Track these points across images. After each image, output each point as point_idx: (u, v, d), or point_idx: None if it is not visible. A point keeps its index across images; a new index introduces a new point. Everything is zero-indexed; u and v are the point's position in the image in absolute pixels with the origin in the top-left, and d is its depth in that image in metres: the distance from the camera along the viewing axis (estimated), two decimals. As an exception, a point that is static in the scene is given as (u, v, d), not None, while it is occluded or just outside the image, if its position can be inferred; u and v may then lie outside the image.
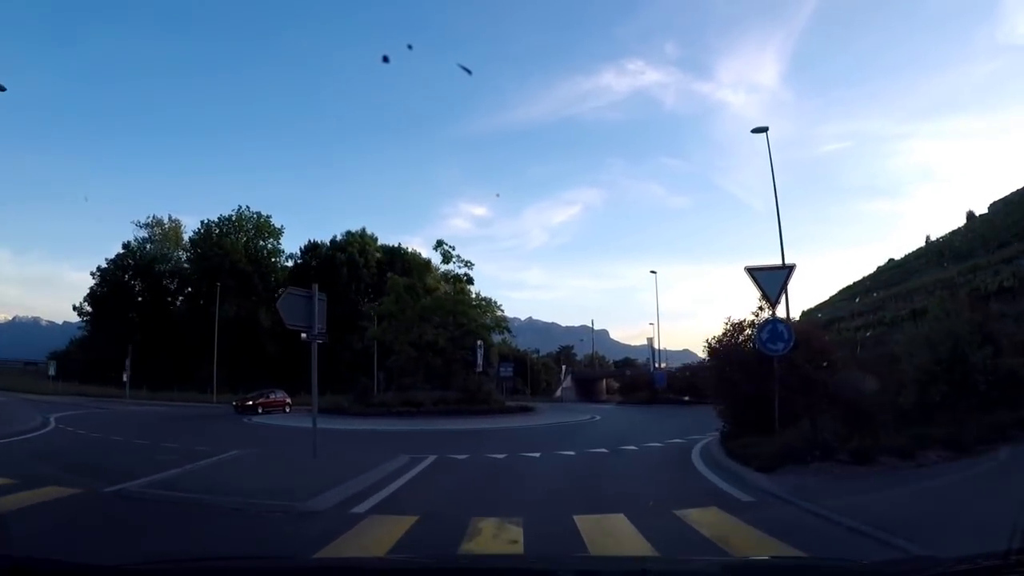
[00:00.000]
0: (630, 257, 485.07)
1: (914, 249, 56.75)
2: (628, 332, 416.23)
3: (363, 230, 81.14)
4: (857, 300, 47.94)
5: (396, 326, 36.53)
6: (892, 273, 52.71)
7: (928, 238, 58.38)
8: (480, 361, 79.18)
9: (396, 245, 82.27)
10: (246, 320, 69.47)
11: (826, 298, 66.34)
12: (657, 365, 50.98)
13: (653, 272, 52.34)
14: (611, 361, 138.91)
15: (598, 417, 29.49)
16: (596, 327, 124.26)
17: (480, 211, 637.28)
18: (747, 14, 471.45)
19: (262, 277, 72.68)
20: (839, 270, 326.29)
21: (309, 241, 78.16)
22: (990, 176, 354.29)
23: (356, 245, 77.80)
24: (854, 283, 61.43)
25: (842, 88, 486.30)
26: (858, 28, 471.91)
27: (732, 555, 5.24)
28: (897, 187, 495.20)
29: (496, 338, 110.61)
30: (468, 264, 37.48)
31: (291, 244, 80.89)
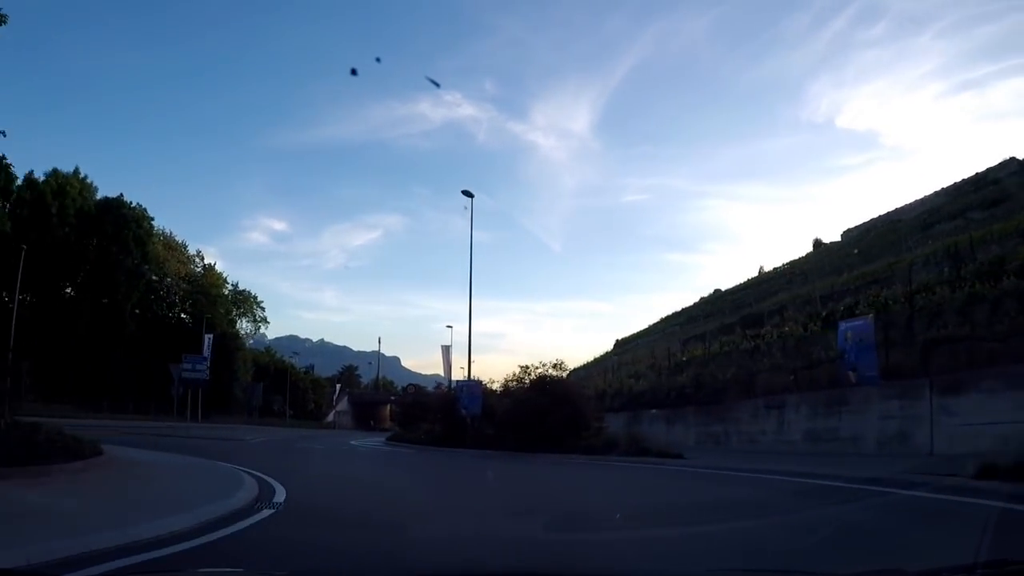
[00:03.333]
0: (427, 287, 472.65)
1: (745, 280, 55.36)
2: (421, 361, 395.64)
3: (76, 171, 56.51)
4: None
5: None
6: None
7: (761, 268, 58.06)
8: (205, 358, 53.65)
9: (118, 196, 57.94)
10: None
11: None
12: (466, 378, 28.52)
13: (468, 194, 30.03)
14: (400, 388, 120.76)
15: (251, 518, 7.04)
16: (389, 354, 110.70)
17: (280, 226, 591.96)
18: (565, 64, 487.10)
19: None
20: (639, 313, 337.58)
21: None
22: (780, 239, 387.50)
23: (56, 193, 52.41)
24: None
25: (647, 145, 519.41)
26: (667, 93, 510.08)
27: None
28: (691, 241, 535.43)
29: (254, 343, 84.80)
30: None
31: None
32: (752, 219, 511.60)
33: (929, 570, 2.14)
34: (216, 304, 64.14)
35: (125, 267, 53.82)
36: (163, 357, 38.46)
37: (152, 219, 59.86)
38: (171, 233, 66.76)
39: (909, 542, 5.31)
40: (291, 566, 4.53)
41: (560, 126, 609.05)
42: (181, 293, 65.08)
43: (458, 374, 45.10)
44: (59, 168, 54.70)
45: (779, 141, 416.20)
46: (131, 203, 57.15)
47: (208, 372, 28.07)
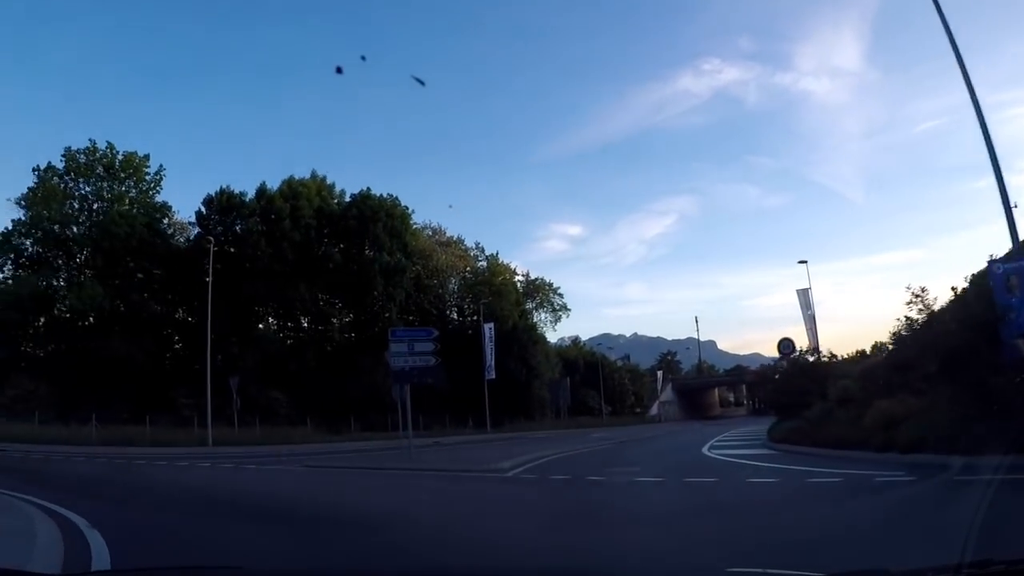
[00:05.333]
0: (731, 264, 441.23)
1: None
2: (738, 342, 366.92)
3: (312, 174, 50.97)
4: None
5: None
6: None
7: None
8: (489, 357, 46.82)
9: (366, 190, 51.19)
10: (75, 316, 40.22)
11: None
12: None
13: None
14: (721, 371, 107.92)
15: None
16: (703, 338, 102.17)
17: (574, 230, 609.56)
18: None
19: (116, 243, 43.40)
20: (954, 255, 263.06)
21: (221, 189, 46.55)
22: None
23: (287, 197, 46.90)
24: None
25: (928, 62, 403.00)
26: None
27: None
28: (1006, 158, 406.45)
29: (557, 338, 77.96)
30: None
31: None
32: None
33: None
34: (502, 296, 56.37)
35: (380, 264, 46.92)
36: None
37: (408, 209, 52.56)
38: (441, 227, 61.04)
39: None
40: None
41: (830, 65, 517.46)
42: (460, 289, 58.91)
43: (759, 348, 32.38)
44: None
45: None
46: (379, 195, 50.47)
47: (434, 357, 18.60)
